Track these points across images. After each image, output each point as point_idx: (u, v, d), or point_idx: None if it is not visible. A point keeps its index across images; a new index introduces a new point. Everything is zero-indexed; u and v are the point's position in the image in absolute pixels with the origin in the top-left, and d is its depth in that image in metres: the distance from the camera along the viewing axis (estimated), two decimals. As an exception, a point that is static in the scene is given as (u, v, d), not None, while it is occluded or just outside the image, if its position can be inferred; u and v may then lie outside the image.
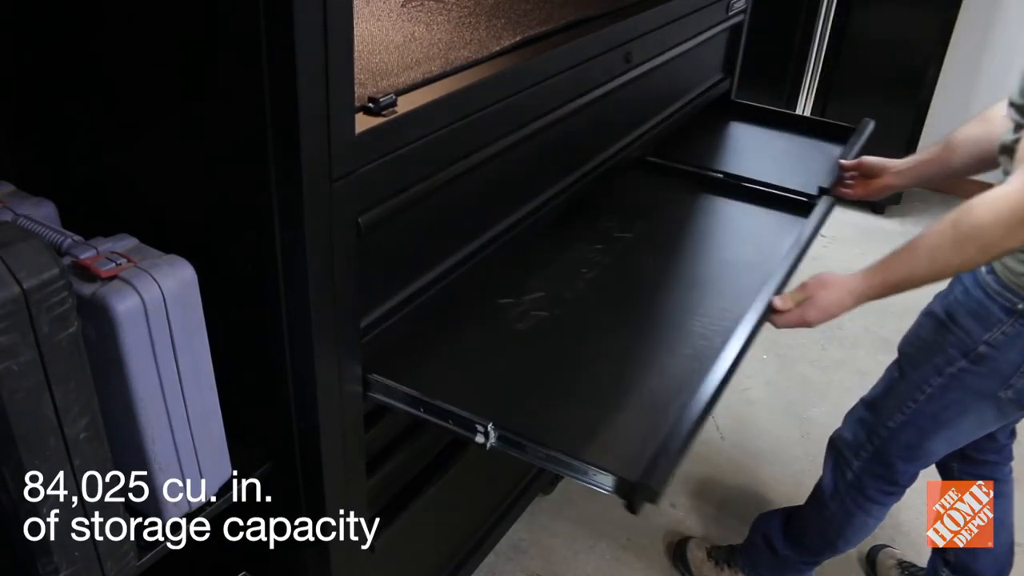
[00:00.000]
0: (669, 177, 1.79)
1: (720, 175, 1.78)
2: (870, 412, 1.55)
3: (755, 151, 1.97)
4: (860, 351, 2.68)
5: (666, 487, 0.94)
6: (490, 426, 1.02)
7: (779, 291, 1.30)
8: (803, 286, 1.29)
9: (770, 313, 1.27)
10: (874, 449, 1.53)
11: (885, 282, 1.23)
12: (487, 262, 1.27)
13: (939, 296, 1.46)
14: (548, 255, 1.45)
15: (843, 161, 1.67)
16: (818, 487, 1.66)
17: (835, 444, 1.63)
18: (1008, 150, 1.27)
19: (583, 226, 1.55)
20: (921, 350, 1.45)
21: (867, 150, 1.73)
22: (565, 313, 1.31)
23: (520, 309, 1.31)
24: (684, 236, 1.63)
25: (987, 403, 1.38)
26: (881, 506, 1.58)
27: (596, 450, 1.01)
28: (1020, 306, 1.27)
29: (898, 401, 1.47)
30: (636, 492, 0.94)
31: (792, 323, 1.28)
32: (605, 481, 0.98)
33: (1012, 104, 1.27)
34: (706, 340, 1.24)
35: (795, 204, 1.66)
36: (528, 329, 1.26)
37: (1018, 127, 1.25)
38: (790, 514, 1.73)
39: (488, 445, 1.03)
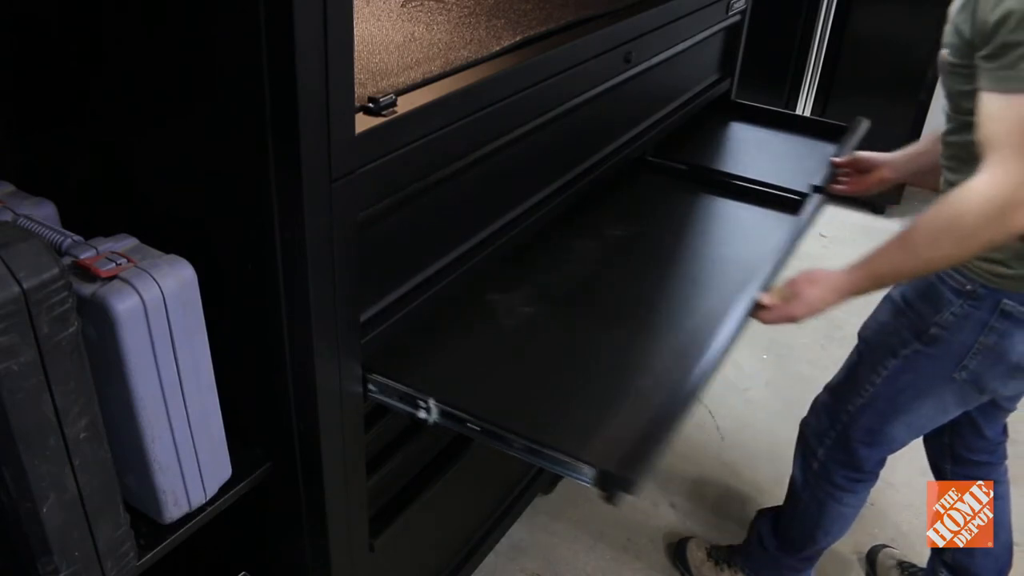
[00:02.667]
0: (667, 176, 1.80)
1: (716, 174, 1.81)
2: (832, 397, 1.56)
3: (753, 151, 1.98)
4: (860, 351, 2.67)
5: (645, 478, 0.96)
6: (431, 401, 1.05)
7: (765, 288, 1.30)
8: (791, 282, 1.28)
9: (756, 309, 1.28)
10: (836, 435, 1.53)
11: (870, 276, 1.23)
12: (487, 261, 1.27)
13: None
14: (545, 254, 1.45)
15: (835, 159, 1.68)
16: (791, 479, 1.67)
17: (803, 432, 1.64)
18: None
19: (581, 225, 1.56)
20: (878, 333, 1.46)
21: (867, 149, 1.73)
22: (557, 311, 1.31)
23: (511, 307, 1.31)
24: (680, 235, 1.64)
25: (943, 386, 1.38)
26: (851, 494, 1.58)
27: (585, 445, 1.03)
28: (969, 287, 1.28)
29: (856, 385, 1.48)
30: (614, 482, 0.97)
31: (777, 319, 1.28)
32: (586, 472, 1.00)
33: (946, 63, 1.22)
34: (696, 337, 1.25)
35: (789, 202, 1.68)
36: (519, 327, 1.27)
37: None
38: (778, 512, 1.74)
39: (430, 421, 1.06)
